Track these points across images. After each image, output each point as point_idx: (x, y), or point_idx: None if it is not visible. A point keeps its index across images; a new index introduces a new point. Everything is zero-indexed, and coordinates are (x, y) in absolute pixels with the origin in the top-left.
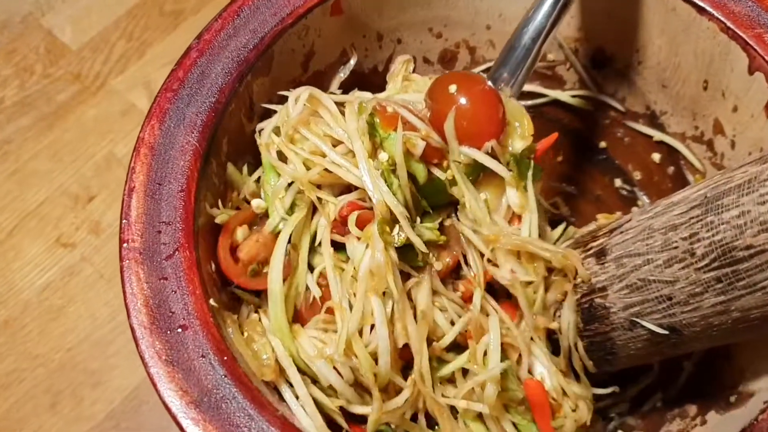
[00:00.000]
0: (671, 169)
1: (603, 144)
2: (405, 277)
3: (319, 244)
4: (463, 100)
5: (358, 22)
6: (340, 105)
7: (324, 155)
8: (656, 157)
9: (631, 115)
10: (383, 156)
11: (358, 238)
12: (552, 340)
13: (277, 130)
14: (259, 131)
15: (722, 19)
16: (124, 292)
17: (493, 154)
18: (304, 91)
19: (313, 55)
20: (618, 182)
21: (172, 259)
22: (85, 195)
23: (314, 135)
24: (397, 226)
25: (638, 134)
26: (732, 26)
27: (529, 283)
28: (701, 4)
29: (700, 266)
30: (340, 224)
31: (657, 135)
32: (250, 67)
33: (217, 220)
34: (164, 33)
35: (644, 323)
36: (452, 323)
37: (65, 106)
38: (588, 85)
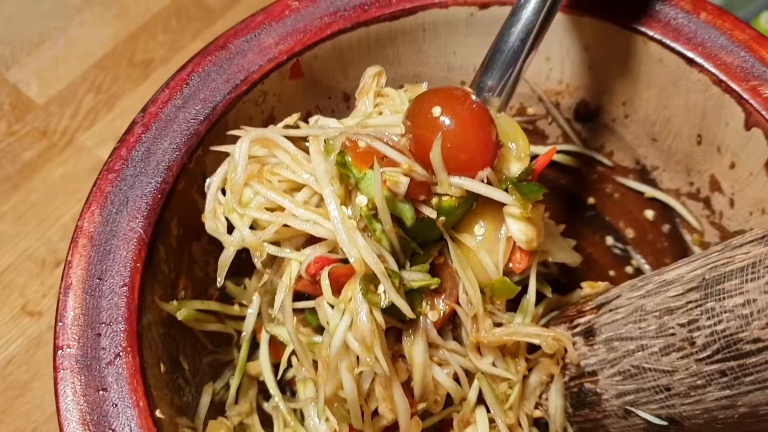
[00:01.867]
0: (666, 228)
1: (591, 200)
2: (394, 333)
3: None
4: (449, 124)
5: (322, 84)
6: (302, 140)
7: (283, 209)
8: (649, 214)
9: (620, 170)
10: (361, 200)
11: (330, 304)
12: (541, 424)
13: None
14: (207, 185)
15: (713, 71)
16: (58, 409)
17: (488, 183)
18: (246, 136)
19: (272, 121)
20: (610, 240)
21: (112, 365)
22: (52, 260)
23: (268, 187)
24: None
25: (629, 190)
26: (725, 78)
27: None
28: (690, 54)
29: (701, 357)
30: (308, 283)
31: (649, 191)
32: (201, 140)
33: (178, 316)
34: (134, 84)
35: (640, 413)
36: (456, 378)
37: (31, 164)
38: (572, 139)
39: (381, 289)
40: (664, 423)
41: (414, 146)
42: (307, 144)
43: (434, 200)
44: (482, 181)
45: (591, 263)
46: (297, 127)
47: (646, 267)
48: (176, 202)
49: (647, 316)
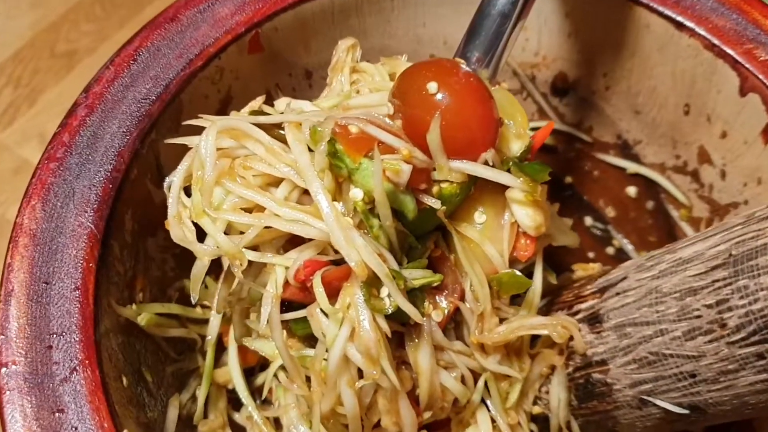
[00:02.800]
0: (650, 204)
1: (569, 179)
2: (396, 338)
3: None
4: (447, 101)
5: (282, 59)
6: (273, 128)
7: (263, 209)
8: (632, 191)
9: (600, 146)
10: (355, 193)
11: (323, 311)
12: (540, 419)
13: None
14: (168, 186)
15: (705, 34)
16: None
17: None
18: (211, 127)
19: (230, 101)
20: (588, 221)
21: (68, 382)
22: None
23: (243, 186)
24: (384, 287)
25: (609, 167)
26: (717, 42)
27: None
28: (679, 18)
29: (733, 340)
30: (297, 290)
31: (631, 167)
32: (153, 122)
33: (139, 322)
34: (58, 77)
35: (658, 402)
36: (462, 380)
37: None
38: (549, 115)
39: (384, 292)
40: (686, 411)
41: (406, 128)
42: (280, 132)
43: (434, 188)
44: (485, 163)
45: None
46: (263, 112)
47: (629, 247)
48: (129, 192)
49: (665, 298)
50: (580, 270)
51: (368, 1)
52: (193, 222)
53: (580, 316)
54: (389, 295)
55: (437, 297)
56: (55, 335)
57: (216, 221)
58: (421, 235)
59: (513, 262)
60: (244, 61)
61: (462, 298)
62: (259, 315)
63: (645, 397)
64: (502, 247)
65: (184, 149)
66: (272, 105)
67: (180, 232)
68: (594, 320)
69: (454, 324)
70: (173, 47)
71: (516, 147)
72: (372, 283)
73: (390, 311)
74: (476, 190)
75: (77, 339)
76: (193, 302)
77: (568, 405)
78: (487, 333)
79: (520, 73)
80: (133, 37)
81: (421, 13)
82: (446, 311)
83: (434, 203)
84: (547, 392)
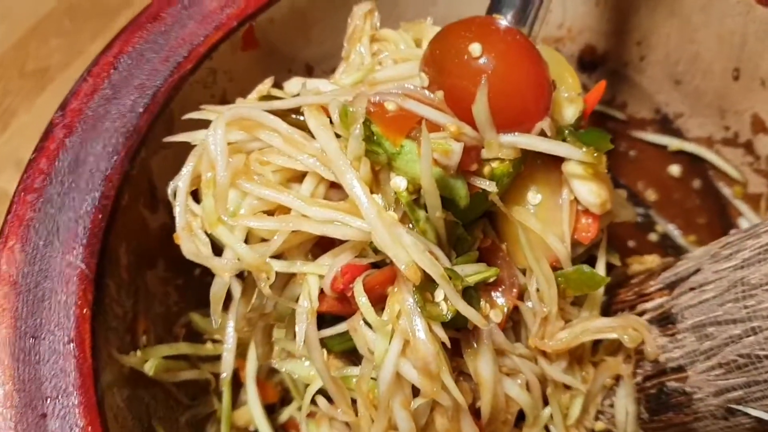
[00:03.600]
0: (697, 183)
1: None
2: (453, 344)
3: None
4: (492, 65)
5: (280, 54)
6: (291, 113)
7: (287, 210)
8: (675, 170)
9: (636, 123)
10: (398, 183)
11: (367, 323)
12: None
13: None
14: (173, 192)
15: None
16: None
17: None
18: (219, 119)
19: None
20: None
21: None
22: None
23: (262, 183)
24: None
25: (647, 145)
26: None
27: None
28: None
29: None
30: (335, 301)
31: (674, 143)
32: (142, 138)
33: (146, 371)
34: (30, 97)
35: (751, 411)
36: (527, 386)
37: None
38: None
39: (439, 296)
40: None
41: (447, 101)
42: (298, 118)
43: (486, 168)
44: (540, 134)
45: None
46: (275, 96)
47: (675, 232)
48: (122, 221)
49: (755, 291)
50: (635, 263)
51: None
52: (206, 232)
53: (647, 317)
54: (445, 299)
55: (493, 293)
56: (49, 400)
57: (234, 229)
58: (469, 223)
59: (573, 245)
60: (239, 59)
61: (520, 295)
62: (286, 331)
63: (733, 406)
64: (561, 231)
65: (181, 163)
66: (281, 88)
67: (192, 246)
68: (665, 321)
69: (512, 323)
70: (158, 50)
71: (570, 113)
72: (424, 287)
73: (449, 317)
74: (526, 167)
75: (76, 402)
76: (215, 326)
77: (637, 419)
78: (548, 338)
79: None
80: (112, 42)
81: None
82: (505, 310)
83: (488, 186)
84: (611, 405)
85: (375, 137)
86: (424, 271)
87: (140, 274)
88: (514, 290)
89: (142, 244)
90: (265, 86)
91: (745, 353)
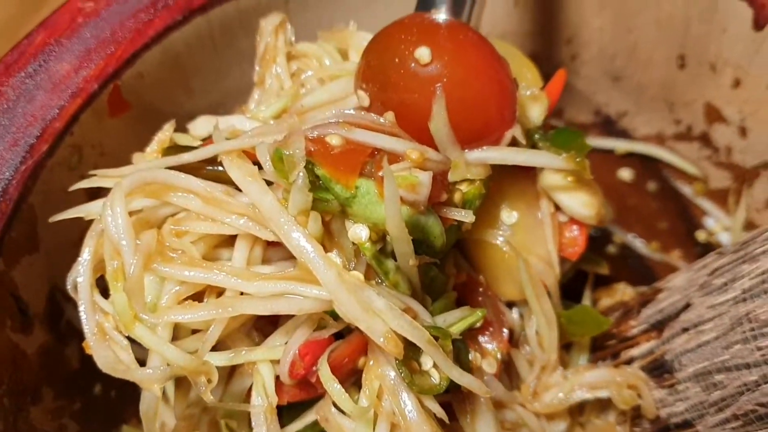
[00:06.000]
0: (652, 185)
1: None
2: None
3: None
4: (447, 72)
5: (158, 112)
6: (206, 164)
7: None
8: (625, 174)
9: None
10: (358, 233)
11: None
12: None
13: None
14: (73, 287)
15: None
16: None
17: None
18: (117, 189)
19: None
20: None
21: None
22: None
23: (184, 265)
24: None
25: (591, 152)
26: None
27: None
28: None
29: None
30: (296, 389)
31: (620, 146)
32: None
33: None
34: None
35: None
36: None
37: None
38: None
39: (427, 363)
40: None
41: (397, 121)
42: (213, 169)
43: (456, 195)
44: (511, 145)
45: None
46: (181, 147)
47: (636, 242)
48: None
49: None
50: (604, 297)
51: (255, 10)
52: (121, 334)
53: (635, 365)
54: (435, 366)
55: (480, 338)
56: None
57: (157, 328)
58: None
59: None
60: (108, 128)
61: (511, 337)
62: (238, 426)
63: None
64: (546, 251)
65: (53, 265)
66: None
67: (109, 354)
68: (660, 370)
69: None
70: (2, 133)
71: (536, 113)
72: (408, 354)
73: (443, 388)
74: (493, 183)
75: None
76: None
77: None
78: (542, 390)
79: None
80: None
81: (319, 15)
82: (498, 356)
83: (464, 216)
84: None
85: (321, 182)
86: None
87: (22, 415)
88: (505, 331)
89: (19, 377)
90: (166, 134)
91: (765, 402)
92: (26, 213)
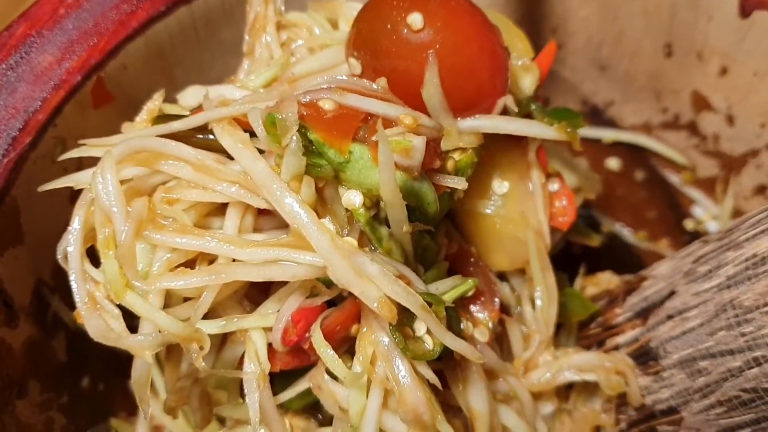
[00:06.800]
0: (640, 174)
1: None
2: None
3: None
4: (439, 38)
5: (142, 103)
6: (196, 132)
7: (211, 259)
8: (613, 163)
9: None
10: (351, 198)
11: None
12: None
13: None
14: (63, 256)
15: None
16: None
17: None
18: (107, 157)
19: None
20: None
21: None
22: None
23: (176, 232)
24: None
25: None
26: None
27: None
28: None
29: None
30: (288, 356)
31: (607, 135)
32: None
33: None
34: None
35: None
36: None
37: None
38: None
39: (420, 329)
40: None
41: (389, 88)
42: (204, 138)
43: (449, 162)
44: (503, 113)
45: None
46: (171, 116)
47: (624, 230)
48: None
49: (751, 314)
50: (589, 285)
51: (238, 1)
52: (112, 303)
53: (620, 353)
54: (429, 332)
55: (472, 308)
56: None
57: (148, 295)
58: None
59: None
60: (91, 120)
61: (503, 305)
62: (229, 396)
63: None
64: (538, 221)
65: (39, 257)
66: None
67: (100, 323)
68: (645, 357)
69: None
70: None
71: (527, 83)
72: (401, 321)
73: (437, 354)
74: (485, 153)
75: None
76: (145, 418)
77: None
78: (532, 368)
79: None
80: None
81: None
82: (490, 325)
83: (457, 183)
84: None
85: (314, 147)
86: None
87: (8, 410)
88: (496, 300)
89: (4, 371)
90: (155, 104)
91: (749, 387)
92: (9, 205)
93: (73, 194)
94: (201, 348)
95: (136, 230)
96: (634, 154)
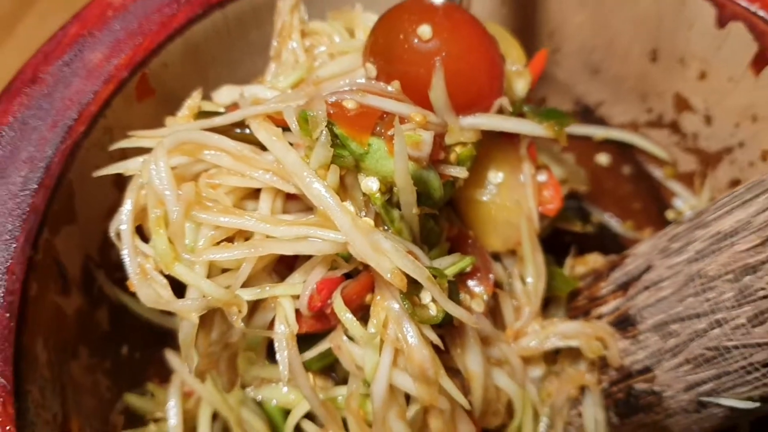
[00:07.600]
0: (627, 169)
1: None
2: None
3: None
4: (445, 47)
5: (178, 99)
6: (232, 127)
7: (246, 233)
8: (603, 159)
9: None
10: (369, 184)
11: (349, 337)
12: None
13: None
14: (116, 234)
15: None
16: None
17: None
18: (159, 147)
19: None
20: None
21: None
22: None
23: (219, 212)
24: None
25: (572, 138)
26: None
27: None
28: None
29: None
30: (312, 320)
31: (598, 133)
32: (42, 217)
33: None
34: None
35: (723, 401)
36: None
37: None
38: None
39: (425, 297)
40: (757, 404)
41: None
42: (240, 131)
43: (452, 155)
44: (499, 113)
45: None
46: (212, 112)
47: (612, 221)
48: (33, 315)
49: (714, 282)
50: (578, 266)
51: (267, 5)
52: (161, 273)
53: (604, 321)
54: (433, 300)
55: (469, 283)
56: None
57: (194, 266)
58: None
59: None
60: (135, 111)
61: (496, 283)
62: (256, 357)
63: (705, 399)
64: (528, 207)
65: (89, 234)
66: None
67: (150, 291)
68: (625, 323)
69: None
70: (43, 116)
71: (520, 86)
72: (409, 290)
73: (440, 319)
74: (482, 147)
75: None
76: (191, 372)
77: (607, 425)
78: (521, 337)
79: None
80: None
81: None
82: (485, 298)
83: (459, 172)
84: (579, 415)
85: (339, 140)
86: (408, 275)
87: (64, 368)
88: (491, 276)
89: (61, 335)
90: (195, 101)
91: (712, 346)
92: (66, 188)
93: (117, 180)
94: (239, 311)
95: (186, 210)
96: (621, 150)
